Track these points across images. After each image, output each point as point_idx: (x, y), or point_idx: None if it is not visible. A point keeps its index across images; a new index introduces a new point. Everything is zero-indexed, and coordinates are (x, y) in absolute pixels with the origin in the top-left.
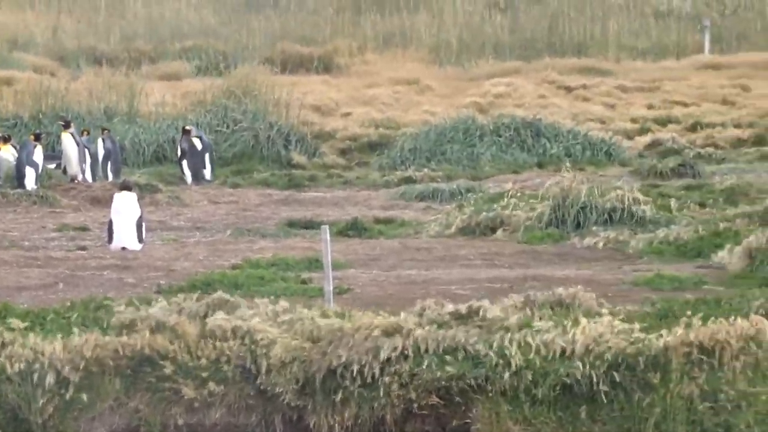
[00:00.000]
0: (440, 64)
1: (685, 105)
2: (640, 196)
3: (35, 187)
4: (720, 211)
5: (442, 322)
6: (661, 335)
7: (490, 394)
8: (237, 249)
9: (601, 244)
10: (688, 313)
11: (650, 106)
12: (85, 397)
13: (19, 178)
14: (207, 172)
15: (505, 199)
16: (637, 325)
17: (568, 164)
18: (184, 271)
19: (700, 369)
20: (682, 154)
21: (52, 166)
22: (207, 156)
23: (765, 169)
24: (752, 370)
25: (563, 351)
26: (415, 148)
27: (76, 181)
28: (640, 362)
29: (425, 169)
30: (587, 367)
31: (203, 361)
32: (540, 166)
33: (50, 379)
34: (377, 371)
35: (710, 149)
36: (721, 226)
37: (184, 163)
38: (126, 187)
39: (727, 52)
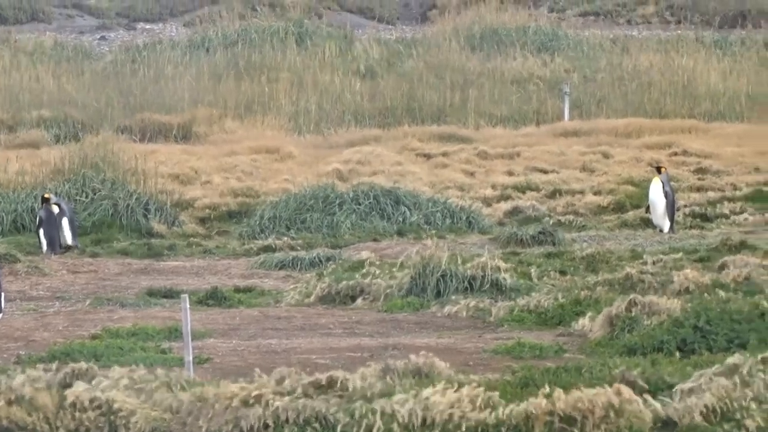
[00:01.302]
0: (300, 132)
1: (545, 172)
2: (501, 264)
3: None
4: (580, 278)
5: (303, 392)
6: (522, 404)
7: None
8: (97, 318)
9: (461, 312)
10: (550, 381)
11: (510, 173)
12: None
13: None
14: (68, 238)
15: (365, 268)
16: (497, 394)
17: (428, 232)
18: (43, 341)
19: None
20: (542, 222)
21: None
22: (66, 221)
23: (625, 237)
24: None
25: (424, 420)
26: (275, 216)
27: None
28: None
29: (285, 238)
30: None
31: None
32: (400, 234)
33: None
34: None
35: (570, 216)
36: (582, 293)
37: (41, 231)
38: None
39: (586, 117)
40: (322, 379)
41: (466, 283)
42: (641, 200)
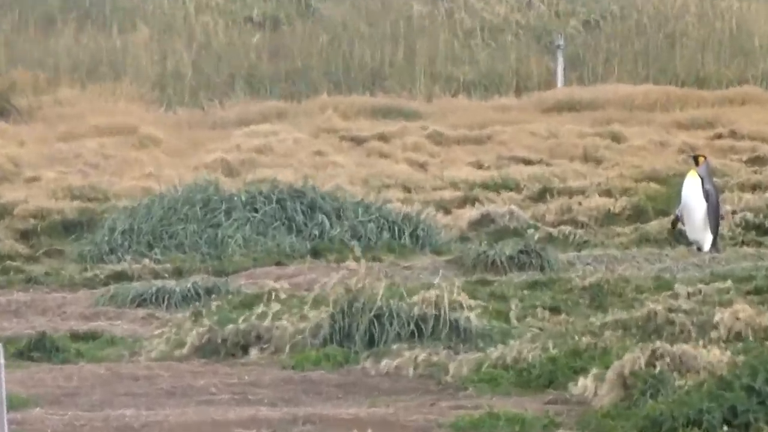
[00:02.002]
0: (168, 105)
1: (530, 163)
2: (464, 299)
3: None
4: (581, 319)
5: None
6: None
7: None
8: None
9: (406, 370)
10: None
11: (479, 165)
12: None
13: None
14: None
15: (264, 304)
16: None
17: (357, 251)
18: None
19: None
20: (526, 236)
21: None
22: None
23: (646, 257)
24: None
25: None
26: (131, 229)
27: None
28: None
29: (146, 260)
30: None
31: None
32: (316, 254)
33: None
34: None
35: (566, 228)
36: (583, 341)
37: None
38: None
39: (589, 83)
40: None
41: (412, 326)
42: (670, 204)
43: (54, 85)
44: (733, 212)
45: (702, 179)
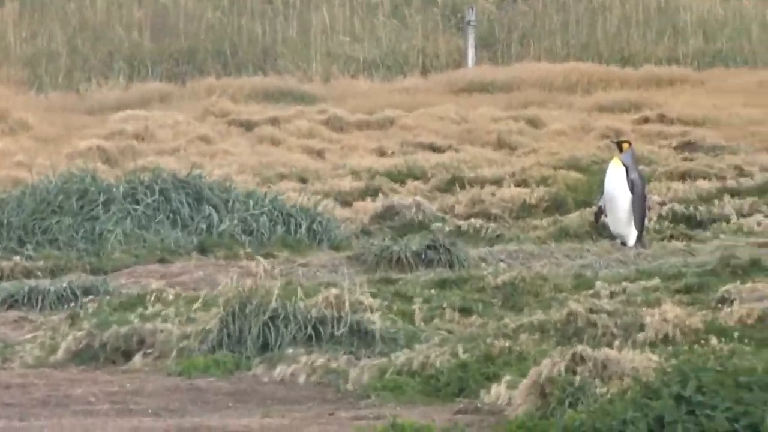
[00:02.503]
0: (40, 87)
1: (438, 150)
2: (366, 299)
3: None
4: (494, 321)
5: None
6: None
7: None
8: None
9: (302, 377)
10: None
11: (381, 152)
12: None
13: None
14: None
15: (148, 306)
16: None
17: (248, 248)
18: None
19: None
20: (433, 230)
21: None
22: None
23: (566, 253)
24: None
25: None
26: (0, 223)
27: None
28: None
29: (17, 258)
30: None
31: None
32: (203, 250)
33: None
34: None
35: (477, 221)
36: (497, 345)
37: None
38: None
39: (503, 62)
40: None
41: (309, 329)
42: (592, 195)
43: None
44: (661, 203)
45: (626, 168)
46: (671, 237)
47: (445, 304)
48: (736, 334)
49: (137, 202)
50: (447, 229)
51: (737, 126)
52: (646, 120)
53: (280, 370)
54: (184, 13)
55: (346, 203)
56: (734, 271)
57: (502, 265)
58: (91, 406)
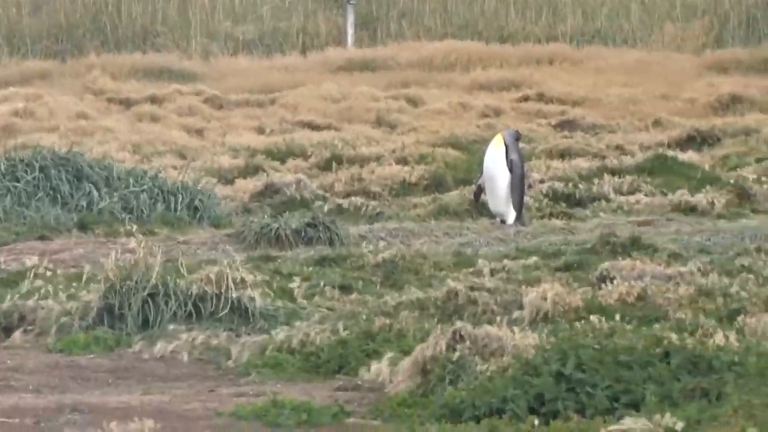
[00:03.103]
0: None
1: (317, 128)
2: (246, 276)
3: None
4: (374, 298)
5: None
6: None
7: None
8: None
9: (183, 354)
10: None
11: (261, 130)
12: None
13: None
14: None
15: (27, 282)
16: None
17: (129, 225)
18: None
19: None
20: (313, 208)
21: None
22: None
23: (445, 231)
24: None
25: None
26: None
27: None
28: None
29: None
30: None
31: None
32: (83, 227)
33: None
34: None
35: (357, 199)
36: (377, 323)
37: None
38: None
39: (382, 41)
40: None
41: (190, 306)
42: (471, 173)
43: None
44: (541, 181)
45: (507, 146)
46: (551, 215)
47: (324, 282)
48: (616, 313)
49: (17, 180)
50: (327, 207)
51: (616, 105)
52: (525, 98)
53: (160, 347)
54: None
55: (227, 181)
56: (614, 249)
57: (382, 243)
58: None
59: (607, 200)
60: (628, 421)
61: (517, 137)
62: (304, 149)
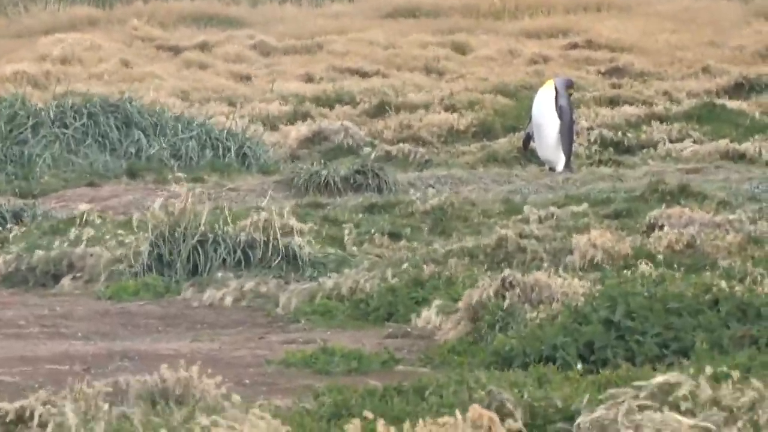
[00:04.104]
0: None
1: (365, 74)
2: (294, 223)
3: None
4: (423, 246)
5: None
6: None
7: None
8: None
9: (230, 300)
10: (374, 410)
11: (309, 77)
12: None
13: None
14: None
15: (77, 229)
16: None
17: (177, 172)
18: None
19: None
20: (362, 155)
21: None
22: None
23: (494, 179)
24: None
25: None
26: None
27: None
28: None
29: None
30: None
31: None
32: (132, 174)
33: None
34: None
35: (406, 146)
36: (426, 270)
37: None
38: None
39: None
40: (7, 411)
41: (239, 253)
42: (520, 120)
43: None
44: (589, 128)
45: (557, 93)
46: (600, 162)
47: (374, 230)
48: (665, 260)
49: (66, 126)
50: (375, 154)
51: (665, 52)
52: (573, 46)
53: (209, 294)
54: None
55: (274, 128)
56: (662, 197)
57: (431, 190)
58: (20, 330)
59: (656, 148)
60: (674, 372)
61: (570, 85)
62: (353, 96)
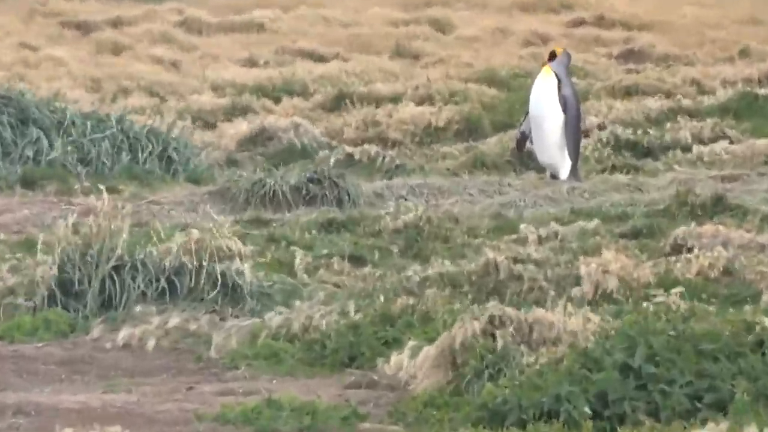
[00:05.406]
0: None
1: (321, 59)
2: (233, 244)
3: None
4: (393, 272)
5: None
6: None
7: None
8: None
9: (152, 341)
10: None
11: (251, 62)
12: None
13: None
14: None
15: None
16: None
17: (86, 181)
18: None
19: None
20: (316, 159)
21: None
22: None
23: (481, 188)
24: None
25: None
26: None
27: None
28: None
29: None
30: None
31: None
32: (29, 183)
33: None
34: None
35: (372, 148)
36: (398, 303)
37: None
38: None
39: None
40: None
41: (162, 282)
42: (514, 115)
43: None
44: (601, 126)
45: (559, 80)
46: (613, 168)
47: (332, 252)
48: (695, 290)
49: None
50: (334, 158)
51: (693, 30)
52: (579, 22)
53: (126, 333)
54: None
55: (209, 126)
56: (692, 211)
57: (403, 203)
58: None
59: (683, 149)
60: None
61: (568, 62)
62: (305, 86)
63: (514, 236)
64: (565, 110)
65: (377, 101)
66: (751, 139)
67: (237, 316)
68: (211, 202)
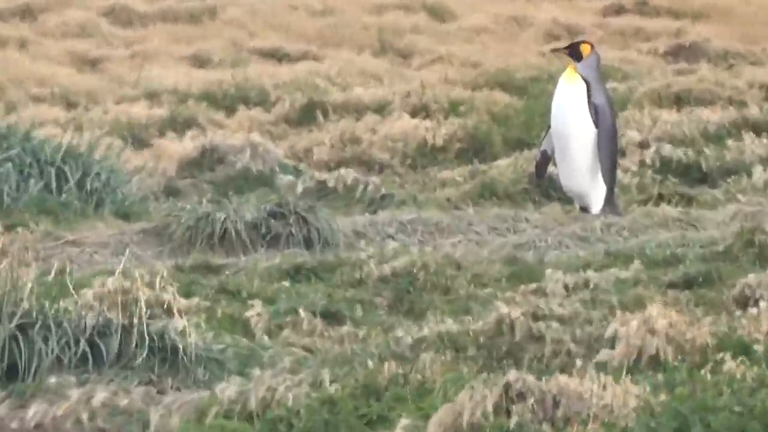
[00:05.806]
0: None
1: (286, 57)
2: (175, 296)
3: None
4: (381, 332)
5: None
6: None
7: None
8: None
9: (70, 420)
10: None
11: (196, 63)
12: None
13: None
14: None
15: None
16: None
17: None
18: None
19: None
20: (277, 186)
21: None
22: None
23: (491, 223)
24: None
25: None
26: None
27: None
28: None
29: None
30: None
31: None
32: None
33: None
34: None
35: (351, 172)
36: (384, 370)
37: None
38: None
39: None
40: None
41: (83, 345)
42: (532, 130)
43: None
44: (642, 144)
45: (588, 84)
46: (660, 198)
47: (300, 307)
48: (765, 354)
49: None
50: (302, 185)
51: (761, 20)
52: (617, 10)
53: (37, 411)
54: None
55: (142, 144)
56: (761, 253)
57: (392, 243)
58: None
59: (749, 174)
60: None
61: (598, 63)
62: (265, 93)
63: (533, 286)
64: (597, 124)
65: (357, 112)
66: None
67: (179, 388)
68: (145, 243)
